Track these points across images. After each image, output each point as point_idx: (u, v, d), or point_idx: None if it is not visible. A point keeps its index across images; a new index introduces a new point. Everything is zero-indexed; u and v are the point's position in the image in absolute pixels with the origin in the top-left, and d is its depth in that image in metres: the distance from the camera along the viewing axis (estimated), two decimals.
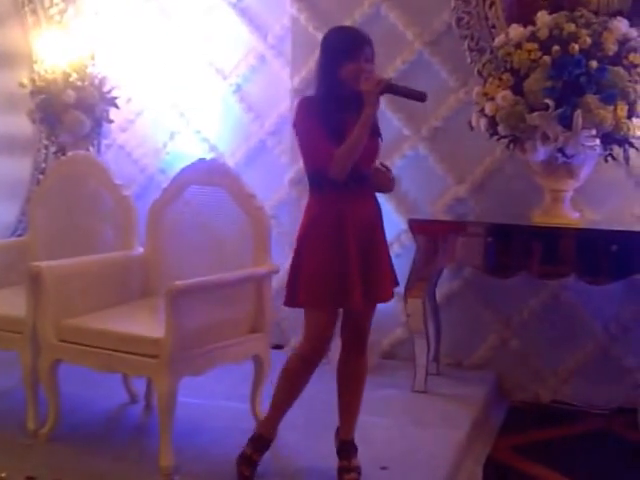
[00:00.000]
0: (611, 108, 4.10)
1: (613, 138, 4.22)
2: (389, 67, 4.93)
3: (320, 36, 4.68)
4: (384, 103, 4.74)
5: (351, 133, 3.17)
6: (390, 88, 3.19)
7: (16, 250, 4.59)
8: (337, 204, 3.28)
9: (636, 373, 4.66)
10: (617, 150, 4.30)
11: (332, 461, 3.45)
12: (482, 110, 4.40)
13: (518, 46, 4.29)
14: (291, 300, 3.33)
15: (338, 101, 3.23)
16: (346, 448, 3.46)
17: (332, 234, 3.27)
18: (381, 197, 4.70)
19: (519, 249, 4.46)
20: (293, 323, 5.04)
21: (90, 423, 4.04)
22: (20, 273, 4.09)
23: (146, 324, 3.75)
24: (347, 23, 4.68)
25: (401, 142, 4.91)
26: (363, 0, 5.00)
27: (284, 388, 3.44)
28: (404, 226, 4.82)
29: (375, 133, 3.34)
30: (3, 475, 3.42)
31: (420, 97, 3.23)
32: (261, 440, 3.47)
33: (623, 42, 4.23)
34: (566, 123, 4.11)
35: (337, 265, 3.25)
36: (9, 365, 4.20)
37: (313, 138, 3.25)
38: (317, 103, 3.28)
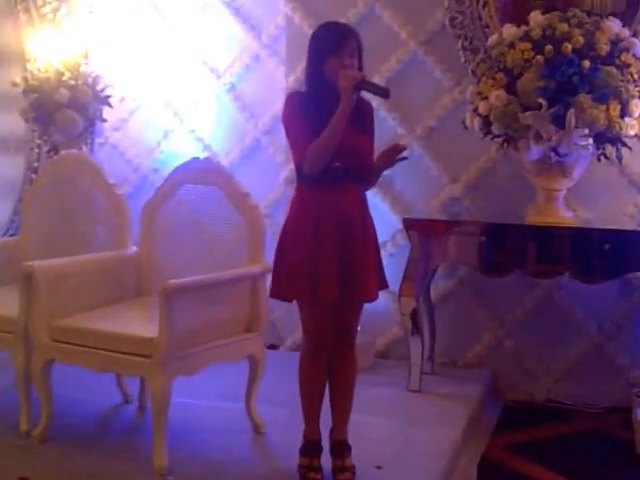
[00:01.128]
0: (604, 107, 4.11)
1: (606, 137, 4.24)
2: (383, 66, 4.97)
3: None
4: (380, 103, 4.78)
5: None
6: (363, 84, 3.20)
7: (9, 250, 4.59)
8: (317, 198, 3.31)
9: (629, 372, 4.67)
10: (610, 149, 4.32)
11: (326, 460, 3.44)
12: (476, 109, 4.41)
13: (511, 46, 4.30)
14: (275, 292, 3.40)
15: (324, 97, 3.25)
16: (340, 447, 3.46)
17: (309, 228, 3.30)
18: (376, 196, 4.80)
19: (513, 248, 4.47)
20: (288, 323, 5.09)
21: (83, 424, 4.03)
22: (13, 273, 4.11)
23: (140, 324, 3.75)
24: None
25: (396, 141, 4.85)
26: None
27: (304, 387, 3.47)
28: (399, 225, 4.85)
29: (364, 130, 3.35)
30: None
31: (384, 94, 3.28)
32: (311, 445, 3.47)
33: (616, 42, 4.25)
34: (559, 122, 4.13)
35: (312, 259, 3.27)
36: (2, 366, 4.21)
37: (295, 133, 3.31)
38: (304, 98, 3.33)
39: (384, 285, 3.51)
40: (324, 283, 3.27)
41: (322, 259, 3.27)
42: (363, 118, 3.36)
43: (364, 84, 3.21)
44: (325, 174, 3.26)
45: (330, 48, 3.24)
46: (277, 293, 3.40)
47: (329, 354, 3.46)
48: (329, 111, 3.20)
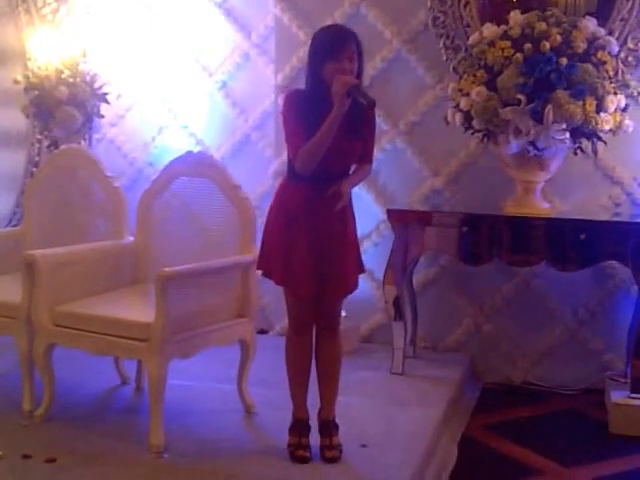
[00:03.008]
0: (580, 103, 4.16)
1: (582, 132, 4.29)
2: (368, 64, 4.88)
3: (303, 35, 4.83)
4: None
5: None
6: (354, 91, 3.18)
7: (11, 240, 4.63)
8: (298, 193, 3.37)
9: (602, 355, 4.76)
10: (586, 143, 4.38)
11: (314, 439, 3.53)
12: (457, 105, 4.46)
13: (492, 44, 4.36)
14: (259, 264, 3.52)
15: (321, 99, 3.25)
16: (327, 427, 3.53)
17: (283, 220, 3.38)
18: (361, 188, 4.80)
19: (492, 238, 4.50)
20: (276, 309, 5.10)
21: (83, 404, 4.09)
22: (15, 262, 4.13)
23: (137, 309, 3.80)
24: (328, 22, 4.59)
25: (380, 136, 4.82)
26: (344, 0, 5.07)
27: (290, 367, 3.55)
28: (382, 216, 4.89)
29: (356, 134, 3.35)
30: (0, 454, 3.46)
31: (370, 104, 3.21)
32: (299, 424, 3.54)
33: (592, 40, 4.31)
34: (537, 117, 4.18)
35: (284, 249, 3.36)
36: (5, 349, 4.27)
37: (290, 131, 3.35)
38: (303, 98, 3.34)
39: (361, 270, 3.54)
40: (297, 272, 3.34)
41: (295, 250, 3.34)
42: (357, 122, 3.34)
43: (355, 91, 3.18)
44: (321, 175, 3.31)
45: (329, 52, 3.24)
46: (259, 266, 3.53)
47: (312, 336, 3.53)
48: (325, 114, 3.21)
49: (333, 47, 3.25)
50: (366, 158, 3.49)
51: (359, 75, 3.33)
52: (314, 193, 3.35)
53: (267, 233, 3.48)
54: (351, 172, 3.46)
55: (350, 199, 3.47)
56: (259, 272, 3.58)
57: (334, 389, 3.57)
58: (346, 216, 3.45)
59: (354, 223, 3.52)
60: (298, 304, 3.46)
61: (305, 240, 3.35)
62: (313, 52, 3.33)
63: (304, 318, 3.50)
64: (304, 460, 3.46)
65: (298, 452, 3.48)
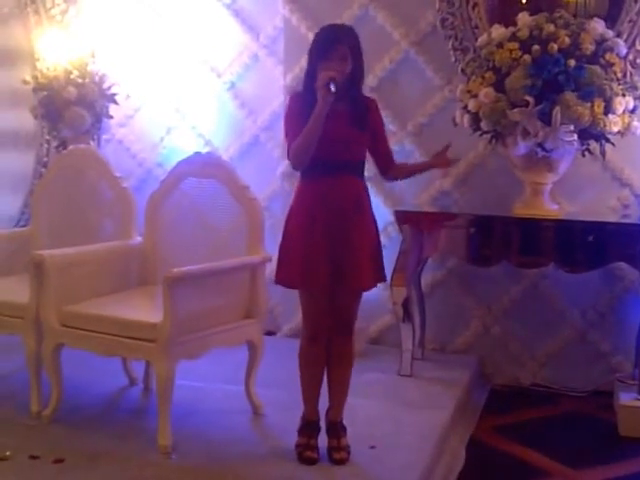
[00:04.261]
0: (588, 105, 4.17)
1: (590, 133, 4.29)
2: (377, 66, 5.02)
3: (311, 36, 4.79)
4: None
5: (329, 126, 3.30)
6: (331, 84, 3.24)
7: (20, 240, 4.63)
8: (311, 189, 3.42)
9: (611, 357, 4.76)
10: (594, 145, 4.38)
11: (322, 440, 3.54)
12: (465, 107, 4.46)
13: (500, 46, 4.36)
14: (277, 278, 3.49)
15: (316, 99, 3.29)
16: (335, 428, 3.55)
17: (302, 217, 3.41)
18: (369, 190, 4.82)
19: (500, 239, 4.53)
20: (285, 310, 5.17)
21: (91, 405, 4.10)
22: (24, 262, 4.13)
23: (144, 310, 3.81)
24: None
25: (388, 137, 4.80)
26: (352, 1, 5.08)
27: (303, 371, 3.55)
28: (391, 218, 4.88)
29: (361, 126, 3.40)
30: (8, 454, 3.47)
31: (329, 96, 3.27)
32: (309, 425, 3.55)
33: (600, 42, 4.31)
34: (546, 119, 4.18)
35: (304, 246, 3.37)
36: (13, 350, 4.27)
37: (286, 131, 3.44)
38: (300, 99, 3.42)
39: (381, 278, 3.55)
40: (314, 269, 3.35)
41: (313, 247, 3.36)
42: (362, 115, 3.41)
43: (334, 84, 3.24)
44: (317, 167, 3.35)
45: (321, 53, 3.32)
46: (278, 279, 3.49)
47: (327, 340, 3.52)
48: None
49: (324, 48, 3.33)
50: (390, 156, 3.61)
51: (356, 73, 3.38)
52: (324, 185, 3.40)
53: (286, 237, 3.49)
54: (388, 173, 3.63)
55: (366, 198, 3.51)
56: (279, 285, 3.55)
57: (344, 392, 3.58)
58: (364, 217, 3.49)
59: (374, 226, 3.54)
60: (314, 305, 3.46)
61: (324, 232, 3.38)
62: (309, 53, 3.42)
63: (319, 319, 3.48)
64: (312, 461, 3.47)
65: (306, 453, 3.48)
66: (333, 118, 3.31)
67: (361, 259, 3.43)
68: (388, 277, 4.55)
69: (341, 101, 3.34)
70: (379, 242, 3.56)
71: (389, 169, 3.63)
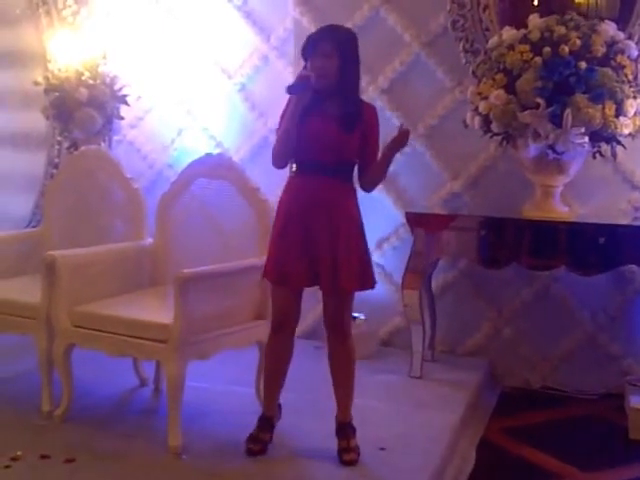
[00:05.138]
0: (599, 107, 4.15)
1: (601, 136, 4.28)
2: (388, 67, 5.04)
3: None
4: (384, 103, 4.92)
5: (314, 126, 3.36)
6: (300, 82, 3.36)
7: (31, 240, 4.65)
8: (293, 186, 3.48)
9: (622, 360, 4.74)
10: (605, 147, 4.36)
11: (332, 442, 3.55)
12: (476, 109, 4.46)
13: (511, 48, 4.35)
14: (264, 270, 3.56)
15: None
16: (344, 429, 3.55)
17: (282, 214, 3.46)
18: (381, 192, 4.82)
19: (511, 242, 4.51)
20: None
21: (102, 405, 4.11)
22: (35, 262, 4.16)
23: (155, 310, 3.82)
24: (348, 26, 4.46)
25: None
26: (363, 3, 5.09)
27: (266, 364, 3.63)
28: (402, 219, 4.88)
29: (350, 129, 3.39)
30: (19, 453, 3.47)
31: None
32: (262, 419, 3.60)
33: (611, 44, 4.30)
34: (556, 121, 4.17)
35: (279, 241, 3.43)
36: (25, 350, 4.27)
37: (277, 130, 3.50)
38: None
39: (368, 283, 3.48)
40: (286, 263, 3.40)
41: (287, 242, 3.41)
42: (351, 117, 3.40)
43: (303, 82, 3.34)
44: (300, 166, 3.44)
45: (307, 52, 3.41)
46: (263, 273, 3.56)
47: (291, 337, 3.56)
48: (308, 111, 3.37)
49: (308, 46, 3.41)
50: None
51: (345, 70, 3.39)
52: (307, 184, 3.44)
53: (270, 241, 3.55)
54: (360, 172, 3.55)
55: (350, 201, 3.49)
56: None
57: (348, 392, 3.58)
58: (341, 219, 3.44)
59: (356, 229, 3.48)
60: (281, 296, 3.49)
61: (296, 231, 3.42)
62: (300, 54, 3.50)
63: (285, 312, 3.51)
64: (251, 452, 3.52)
65: (248, 445, 3.54)
66: (321, 118, 3.37)
67: (339, 260, 3.39)
68: (399, 279, 4.61)
69: (331, 101, 3.39)
70: (365, 246, 3.50)
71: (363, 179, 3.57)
